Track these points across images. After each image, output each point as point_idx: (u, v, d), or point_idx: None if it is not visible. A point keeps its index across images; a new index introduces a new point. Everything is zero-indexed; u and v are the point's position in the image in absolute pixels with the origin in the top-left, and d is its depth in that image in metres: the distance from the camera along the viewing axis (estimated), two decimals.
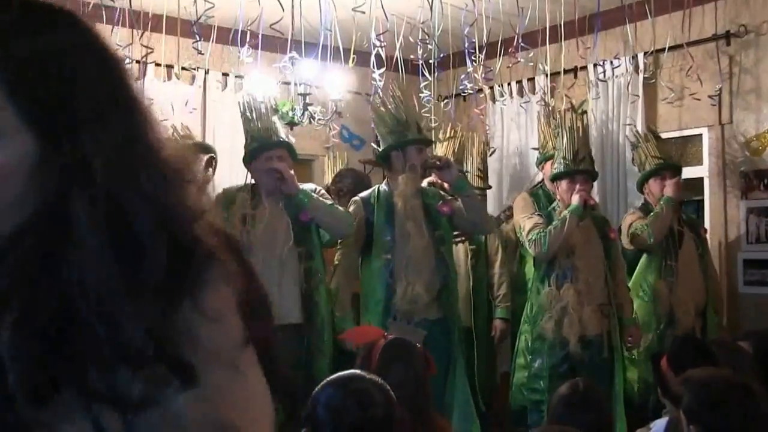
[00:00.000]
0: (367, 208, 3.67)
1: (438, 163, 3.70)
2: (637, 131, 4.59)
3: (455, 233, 3.88)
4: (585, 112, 4.29)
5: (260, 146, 3.45)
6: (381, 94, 3.78)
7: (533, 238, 3.85)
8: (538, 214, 3.99)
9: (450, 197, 3.74)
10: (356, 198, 3.77)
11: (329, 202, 3.51)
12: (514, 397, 4.05)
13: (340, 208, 3.55)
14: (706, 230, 4.56)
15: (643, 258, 4.16)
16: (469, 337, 4.10)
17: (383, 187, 3.73)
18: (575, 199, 3.85)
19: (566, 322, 3.73)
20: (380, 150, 3.77)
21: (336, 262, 3.67)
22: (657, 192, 4.19)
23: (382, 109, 3.73)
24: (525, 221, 3.99)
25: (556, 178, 4.01)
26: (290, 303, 3.33)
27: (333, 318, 3.50)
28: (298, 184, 3.50)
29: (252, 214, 3.39)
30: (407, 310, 3.48)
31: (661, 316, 4.02)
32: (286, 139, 3.56)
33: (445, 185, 3.87)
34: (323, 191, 3.65)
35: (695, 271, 4.16)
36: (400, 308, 3.47)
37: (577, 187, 3.88)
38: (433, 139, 4.48)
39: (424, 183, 3.92)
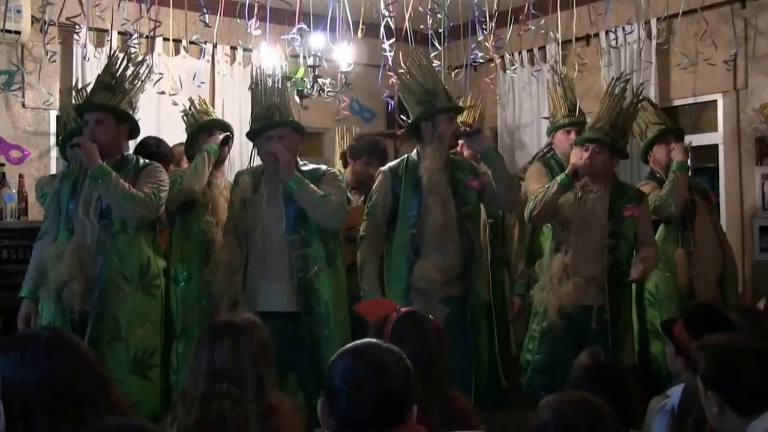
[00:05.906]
0: (394, 179, 3.53)
1: (468, 129, 3.52)
2: None
3: None
4: (571, 79, 4.24)
5: (260, 127, 3.38)
6: (404, 64, 3.60)
7: (529, 203, 3.78)
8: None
9: (482, 172, 3.54)
10: (384, 168, 3.64)
11: (321, 193, 3.30)
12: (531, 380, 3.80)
13: (333, 198, 3.33)
14: (715, 196, 4.49)
15: (660, 229, 4.02)
16: (489, 313, 3.96)
17: (413, 156, 3.57)
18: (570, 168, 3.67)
19: (548, 292, 3.63)
20: (409, 122, 3.60)
21: (362, 234, 3.54)
22: (663, 158, 4.10)
23: (409, 78, 3.55)
24: (538, 191, 3.93)
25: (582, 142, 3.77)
26: (280, 291, 3.29)
27: (346, 301, 3.41)
28: (310, 165, 3.43)
29: (251, 198, 3.34)
30: (425, 289, 3.37)
31: (682, 287, 3.90)
32: (292, 117, 3.46)
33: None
34: (333, 173, 3.52)
35: (711, 239, 4.07)
36: (418, 287, 3.37)
37: (583, 155, 3.67)
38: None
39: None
